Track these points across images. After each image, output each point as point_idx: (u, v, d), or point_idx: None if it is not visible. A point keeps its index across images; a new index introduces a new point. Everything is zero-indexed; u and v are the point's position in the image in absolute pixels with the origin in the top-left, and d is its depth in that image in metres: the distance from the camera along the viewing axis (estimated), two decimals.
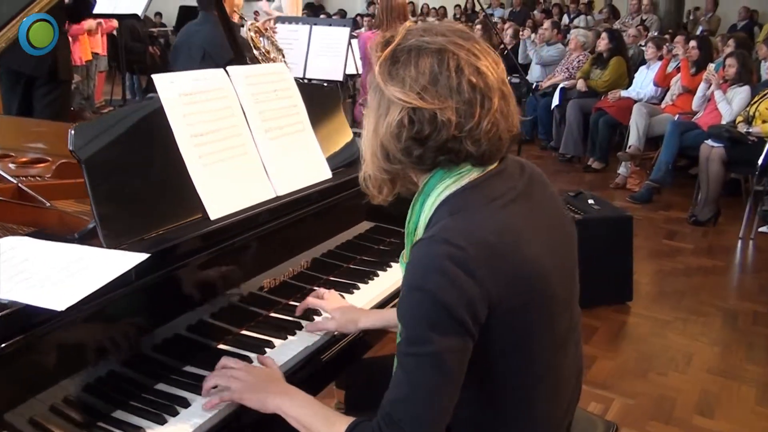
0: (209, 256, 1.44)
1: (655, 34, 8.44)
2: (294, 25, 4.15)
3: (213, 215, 1.48)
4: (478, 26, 8.95)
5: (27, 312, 1.09)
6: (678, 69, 5.97)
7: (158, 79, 1.50)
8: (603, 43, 6.75)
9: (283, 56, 3.70)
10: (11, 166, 2.19)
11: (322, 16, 11.08)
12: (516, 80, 8.22)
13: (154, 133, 1.47)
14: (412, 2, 15.60)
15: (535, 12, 13.65)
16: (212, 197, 1.49)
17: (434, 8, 15.35)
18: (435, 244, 1.10)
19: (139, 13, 3.96)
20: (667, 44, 6.23)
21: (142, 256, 1.23)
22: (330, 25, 4.10)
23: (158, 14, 12.10)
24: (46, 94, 3.33)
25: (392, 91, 1.13)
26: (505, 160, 1.22)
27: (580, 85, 6.79)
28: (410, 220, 1.25)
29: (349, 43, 4.37)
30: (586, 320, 3.35)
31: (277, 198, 1.64)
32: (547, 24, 7.85)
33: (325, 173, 1.82)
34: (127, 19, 4.07)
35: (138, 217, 1.37)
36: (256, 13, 12.39)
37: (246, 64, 2.26)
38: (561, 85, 7.04)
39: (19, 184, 1.78)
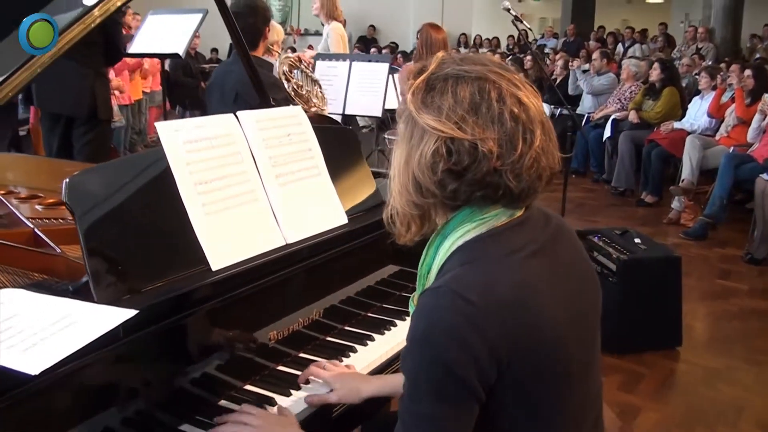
0: (211, 307, 1.39)
1: (710, 62, 8.20)
2: (334, 61, 4.15)
3: (215, 266, 1.43)
4: (528, 57, 8.88)
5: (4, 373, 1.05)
6: (733, 99, 5.75)
7: (161, 127, 1.47)
8: (655, 73, 6.57)
9: (320, 87, 3.68)
10: (38, 207, 2.20)
11: (372, 49, 11.16)
12: (566, 112, 8.10)
13: (155, 183, 1.43)
14: (464, 33, 15.66)
15: (591, 42, 13.50)
16: (215, 247, 1.45)
17: (487, 39, 15.30)
18: (444, 295, 1.02)
19: (180, 52, 4.03)
20: (721, 73, 6.01)
21: (130, 313, 1.18)
22: (369, 60, 4.08)
23: (214, 50, 12.43)
24: (84, 133, 3.38)
25: (426, 119, 1.05)
26: (530, 209, 1.14)
27: (632, 116, 6.62)
28: (424, 261, 1.18)
29: (392, 79, 4.35)
30: (632, 366, 3.20)
31: (287, 246, 1.59)
32: (596, 54, 7.69)
33: (340, 219, 1.76)
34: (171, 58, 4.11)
35: (135, 270, 1.33)
36: (311, 46, 12.60)
37: (271, 105, 2.23)
38: (613, 117, 6.88)
39: (35, 229, 1.77)
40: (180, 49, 4.02)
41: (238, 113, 1.63)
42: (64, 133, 3.41)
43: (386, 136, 3.61)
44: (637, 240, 3.50)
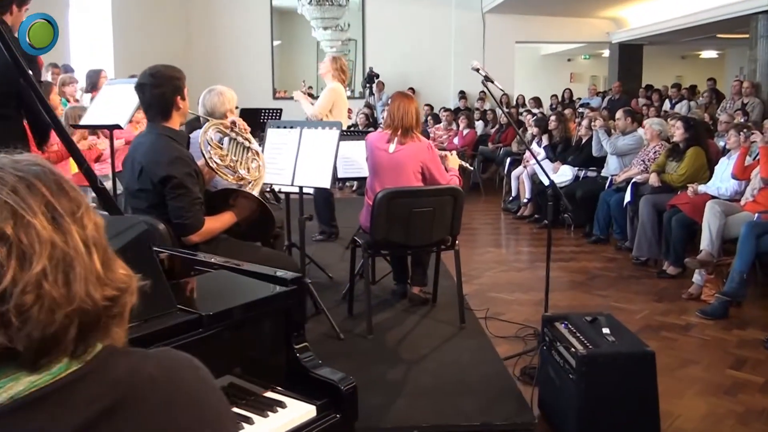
0: None
1: (751, 119, 7.56)
2: (285, 129, 3.85)
3: None
4: (552, 117, 8.48)
5: None
6: (758, 159, 5.14)
7: None
8: (678, 133, 6.03)
9: (258, 156, 3.37)
10: None
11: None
12: (593, 173, 7.60)
13: None
14: (506, 94, 15.32)
15: (640, 99, 12.98)
16: None
17: (532, 99, 14.85)
18: None
19: (122, 123, 3.82)
20: (744, 130, 5.42)
21: None
22: (321, 127, 3.76)
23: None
24: None
25: None
26: (89, 365, 0.79)
27: (653, 179, 6.06)
28: None
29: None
30: None
31: None
32: (620, 113, 7.19)
33: None
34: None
35: None
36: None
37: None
38: (633, 180, 6.34)
39: None
40: (122, 120, 3.81)
41: None
42: None
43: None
44: (606, 330, 2.99)
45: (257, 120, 10.20)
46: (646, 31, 13.04)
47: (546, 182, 7.26)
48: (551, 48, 19.42)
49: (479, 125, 13.23)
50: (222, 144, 3.29)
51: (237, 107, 4.21)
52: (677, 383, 3.56)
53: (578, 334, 2.99)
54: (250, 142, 3.36)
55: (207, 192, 3.23)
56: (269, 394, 1.76)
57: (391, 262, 4.66)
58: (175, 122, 3.12)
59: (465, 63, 15.52)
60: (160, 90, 2.99)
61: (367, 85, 15.13)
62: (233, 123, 3.35)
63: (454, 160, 4.43)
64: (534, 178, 8.30)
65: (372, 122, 12.08)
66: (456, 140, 10.91)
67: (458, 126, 11.18)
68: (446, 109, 11.97)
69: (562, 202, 3.96)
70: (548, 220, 3.95)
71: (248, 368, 1.78)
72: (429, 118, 11.95)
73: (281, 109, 9.61)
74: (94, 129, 4.23)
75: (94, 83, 7.36)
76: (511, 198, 9.13)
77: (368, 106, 13.65)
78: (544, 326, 3.27)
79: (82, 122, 4.12)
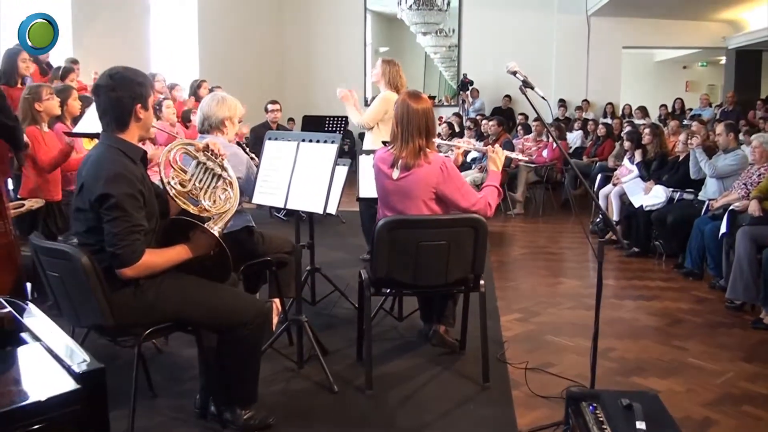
0: None
1: None
2: (283, 141, 3.30)
3: None
4: (647, 131, 7.54)
5: None
6: None
7: None
8: None
9: (230, 186, 2.85)
10: None
11: (491, 122, 10.12)
12: (689, 196, 6.61)
13: None
14: (611, 103, 14.19)
15: (758, 111, 11.67)
16: None
17: (638, 108, 13.67)
18: None
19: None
20: None
21: None
22: (318, 141, 3.18)
23: (291, 120, 12.14)
24: None
25: None
26: None
27: (753, 207, 5.07)
28: None
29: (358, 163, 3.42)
30: None
31: None
32: (720, 128, 6.17)
33: None
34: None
35: None
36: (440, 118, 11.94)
37: None
38: (731, 207, 5.37)
39: None
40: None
41: None
42: None
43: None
44: (640, 424, 2.24)
45: (322, 128, 9.83)
46: (765, 35, 11.64)
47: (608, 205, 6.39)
48: (665, 54, 18.02)
49: (576, 136, 12.28)
50: (187, 168, 2.79)
51: (240, 120, 3.75)
52: None
53: (604, 426, 2.26)
54: (223, 169, 2.84)
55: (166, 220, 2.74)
56: None
57: (418, 298, 4.01)
58: (133, 135, 2.64)
59: (567, 70, 14.59)
60: (116, 94, 2.53)
61: (460, 92, 14.47)
62: (206, 146, 2.84)
63: (500, 155, 3.65)
64: (623, 199, 7.39)
65: (455, 133, 11.40)
66: (545, 153, 10.05)
67: (548, 137, 10.30)
68: (537, 119, 11.10)
69: (609, 227, 3.17)
70: (599, 257, 3.16)
71: None
72: (520, 128, 11.13)
73: (347, 117, 9.13)
74: (86, 137, 3.83)
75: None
76: (598, 219, 8.20)
77: (457, 115, 12.99)
78: (569, 405, 2.55)
79: (76, 130, 3.75)
